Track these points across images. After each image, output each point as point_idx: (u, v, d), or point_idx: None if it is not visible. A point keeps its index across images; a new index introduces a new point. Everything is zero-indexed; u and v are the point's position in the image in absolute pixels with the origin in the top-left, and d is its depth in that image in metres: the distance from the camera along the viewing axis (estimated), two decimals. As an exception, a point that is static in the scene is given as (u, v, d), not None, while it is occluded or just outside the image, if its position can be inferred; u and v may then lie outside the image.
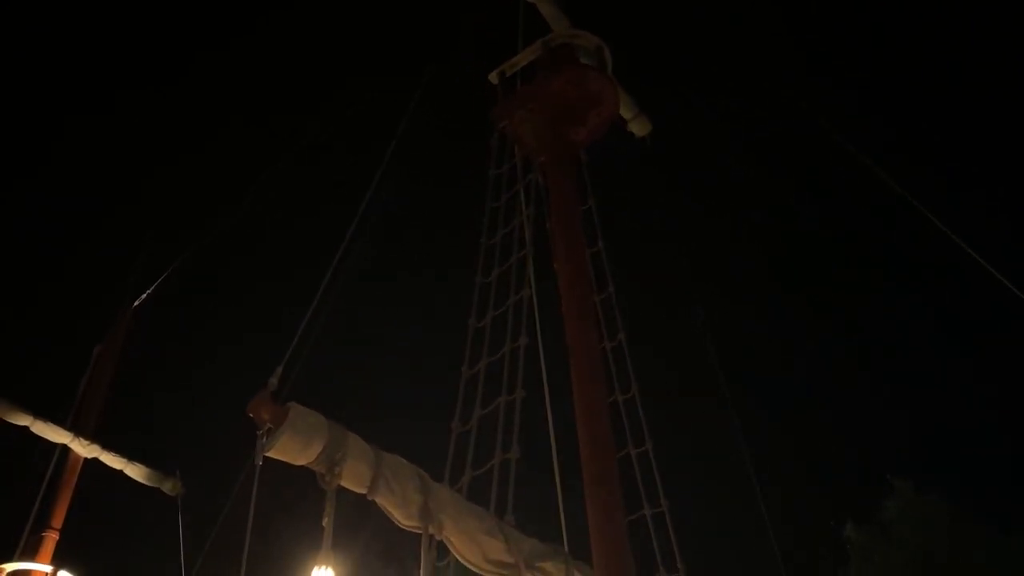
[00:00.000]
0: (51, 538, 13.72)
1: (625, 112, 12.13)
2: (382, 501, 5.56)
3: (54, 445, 14.29)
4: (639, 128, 12.38)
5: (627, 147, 12.66)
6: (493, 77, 12.37)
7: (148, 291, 16.16)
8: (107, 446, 14.86)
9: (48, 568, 13.25)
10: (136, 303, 16.18)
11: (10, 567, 12.93)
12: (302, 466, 5.29)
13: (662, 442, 10.33)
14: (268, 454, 5.08)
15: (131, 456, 15.23)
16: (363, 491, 5.48)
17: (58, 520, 14.00)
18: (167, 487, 15.43)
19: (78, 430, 14.47)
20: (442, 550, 6.13)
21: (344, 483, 5.35)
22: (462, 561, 6.02)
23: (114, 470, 15.05)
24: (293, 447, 5.11)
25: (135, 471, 15.20)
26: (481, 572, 6.16)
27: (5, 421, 13.72)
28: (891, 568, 19.89)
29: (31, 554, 13.35)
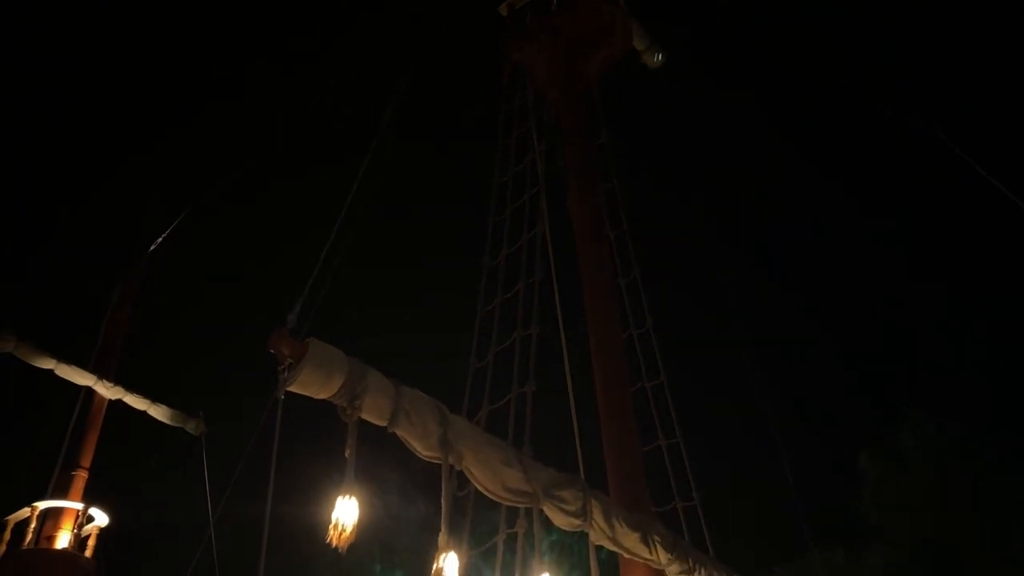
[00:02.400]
0: (81, 477, 14.10)
1: (638, 43, 11.92)
2: (402, 433, 5.65)
3: (79, 387, 14.57)
4: (652, 60, 12.16)
5: (641, 79, 12.45)
6: (503, 9, 12.16)
7: (164, 234, 16.26)
8: (131, 388, 15.13)
9: (79, 505, 13.63)
10: (152, 246, 16.31)
11: (43, 504, 13.31)
12: (323, 400, 5.38)
13: (677, 375, 10.44)
14: (289, 388, 5.15)
15: (154, 397, 15.50)
16: (383, 423, 5.57)
17: (86, 459, 14.36)
18: (190, 427, 15.74)
19: (101, 372, 14.73)
20: (462, 480, 6.26)
21: (365, 416, 5.44)
22: (481, 490, 6.14)
23: (138, 411, 15.35)
24: (314, 381, 5.19)
25: (159, 411, 15.49)
26: (500, 501, 6.29)
27: (31, 365, 13.98)
28: (905, 497, 20.11)
29: (62, 492, 13.73)
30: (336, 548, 5.05)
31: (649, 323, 10.63)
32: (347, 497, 5.10)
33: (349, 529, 5.02)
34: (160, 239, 16.35)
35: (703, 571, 7.51)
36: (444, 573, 5.35)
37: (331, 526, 5.02)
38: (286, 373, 5.16)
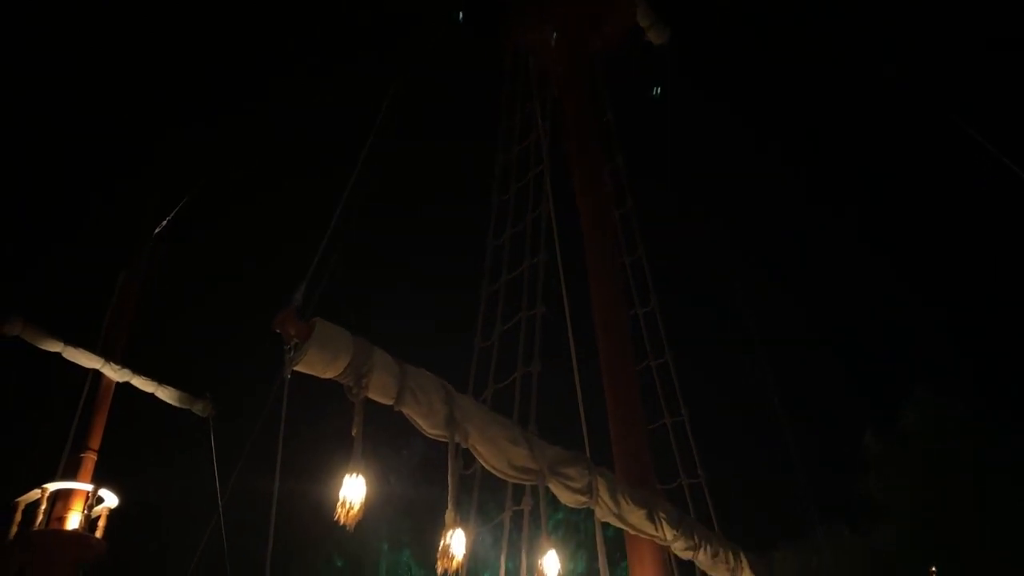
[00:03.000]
0: (90, 459, 14.17)
1: (642, 20, 11.81)
2: (408, 412, 5.68)
3: (87, 370, 14.64)
4: (656, 36, 12.06)
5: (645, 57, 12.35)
6: (505, -12, 12.07)
7: (168, 217, 16.26)
8: (138, 370, 15.18)
9: (89, 487, 13.72)
10: (157, 229, 16.31)
11: (52, 486, 13.40)
12: (330, 379, 5.41)
13: (682, 354, 10.46)
14: (296, 368, 5.18)
15: (161, 379, 15.56)
16: (390, 402, 5.61)
17: (95, 441, 14.42)
18: (198, 408, 15.79)
19: (109, 355, 14.79)
20: (468, 458, 6.30)
21: (371, 395, 5.47)
22: (487, 468, 6.18)
23: (146, 393, 15.41)
24: (320, 361, 5.21)
25: (166, 393, 15.55)
26: (506, 478, 6.33)
27: (39, 348, 14.05)
28: (909, 475, 20.13)
29: (72, 474, 13.82)
30: (344, 526, 5.09)
31: (654, 301, 10.64)
32: (354, 475, 5.14)
33: (356, 507, 5.05)
34: (164, 222, 16.36)
35: (708, 547, 7.56)
36: (451, 549, 5.40)
37: (339, 504, 5.06)
38: (292, 353, 5.18)
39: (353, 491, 5.09)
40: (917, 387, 21.24)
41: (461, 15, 11.44)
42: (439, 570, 5.39)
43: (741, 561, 7.99)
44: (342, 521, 5.02)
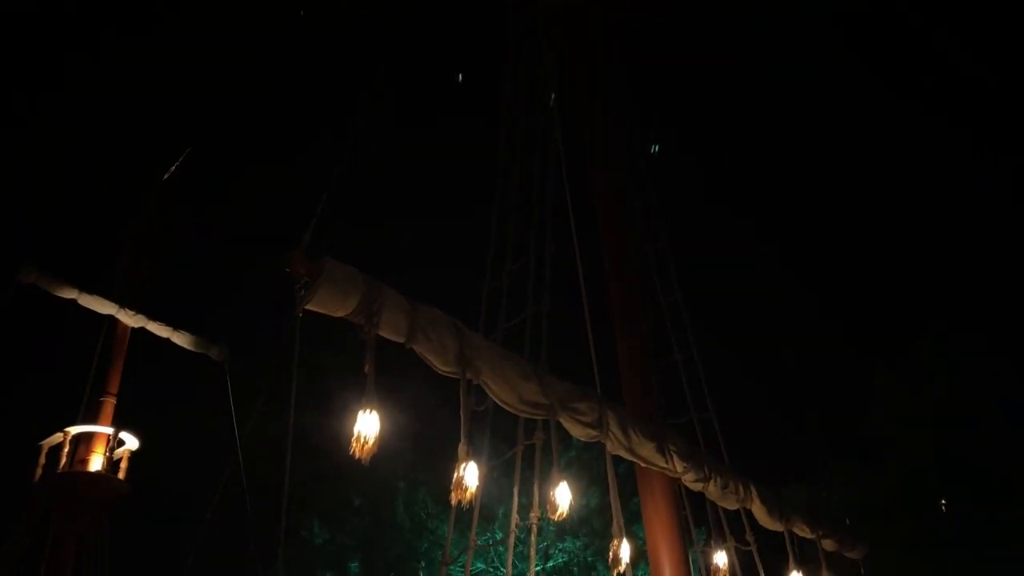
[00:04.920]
0: (109, 403, 14.45)
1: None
2: (420, 349, 5.75)
3: (102, 316, 14.82)
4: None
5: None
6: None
7: (176, 164, 16.23)
8: (153, 316, 15.35)
9: (110, 430, 14.01)
10: (166, 175, 16.31)
11: (74, 430, 13.70)
12: (342, 318, 5.46)
13: (692, 291, 10.47)
14: (307, 307, 5.23)
15: (176, 325, 15.72)
16: (401, 340, 5.67)
17: (114, 386, 14.68)
18: (213, 352, 15.99)
19: (123, 301, 14.94)
20: (480, 394, 6.38)
21: (382, 333, 5.53)
22: (499, 403, 6.26)
23: (162, 338, 15.60)
24: (331, 299, 5.26)
25: (181, 339, 15.73)
26: (517, 413, 6.42)
27: (54, 295, 14.21)
28: (921, 409, 20.22)
29: (92, 418, 14.11)
30: (360, 461, 5.19)
31: (665, 238, 10.63)
32: (368, 411, 5.22)
33: (371, 441, 5.15)
34: (173, 168, 16.34)
35: (719, 479, 7.69)
36: (464, 481, 5.51)
37: (353, 439, 5.15)
38: (303, 292, 5.22)
39: (367, 426, 5.18)
40: (929, 321, 21.22)
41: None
42: (453, 501, 5.52)
43: (751, 492, 8.12)
44: (357, 455, 5.13)
